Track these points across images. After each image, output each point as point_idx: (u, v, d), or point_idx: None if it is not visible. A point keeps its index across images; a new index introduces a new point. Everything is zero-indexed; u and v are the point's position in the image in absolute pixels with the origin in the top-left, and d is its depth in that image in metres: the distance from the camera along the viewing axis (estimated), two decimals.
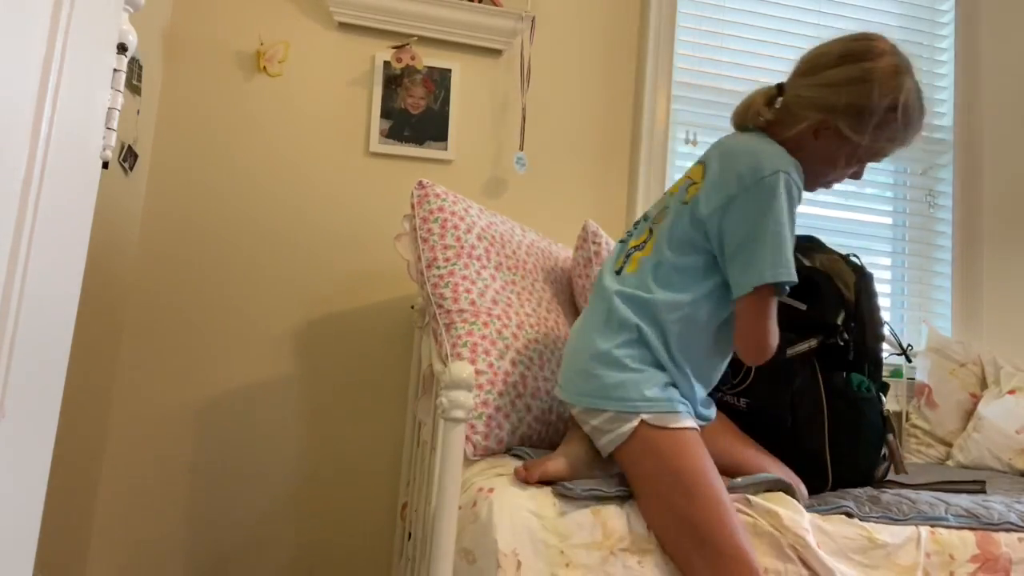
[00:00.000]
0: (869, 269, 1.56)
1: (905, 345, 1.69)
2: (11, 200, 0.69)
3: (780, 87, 1.25)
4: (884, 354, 1.56)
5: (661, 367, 1.17)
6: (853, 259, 1.56)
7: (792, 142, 1.20)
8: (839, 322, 1.44)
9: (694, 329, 1.18)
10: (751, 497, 1.18)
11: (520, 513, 1.08)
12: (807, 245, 1.57)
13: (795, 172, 1.14)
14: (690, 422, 1.15)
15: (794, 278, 1.11)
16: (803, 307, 1.44)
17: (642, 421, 1.11)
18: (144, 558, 1.84)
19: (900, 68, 1.18)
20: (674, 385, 1.18)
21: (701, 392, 1.25)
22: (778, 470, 1.29)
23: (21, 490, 0.75)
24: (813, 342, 1.43)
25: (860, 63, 1.17)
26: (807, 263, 1.49)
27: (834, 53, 1.20)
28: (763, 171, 1.12)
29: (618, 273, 1.26)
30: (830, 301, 1.46)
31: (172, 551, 1.86)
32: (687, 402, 1.18)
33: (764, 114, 1.22)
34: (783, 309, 1.35)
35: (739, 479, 1.21)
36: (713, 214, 1.15)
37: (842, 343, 1.43)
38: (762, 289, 1.11)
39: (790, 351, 1.40)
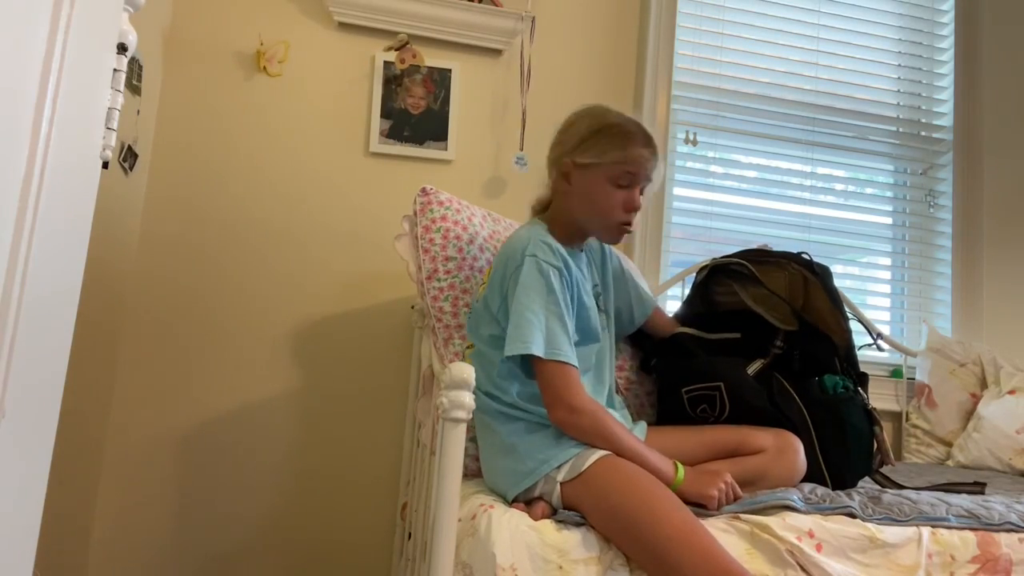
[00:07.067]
0: (845, 267, 1.57)
1: (875, 334, 1.69)
2: (11, 200, 0.69)
3: None
4: (859, 347, 1.57)
5: (543, 424, 1.24)
6: (804, 256, 1.57)
7: (559, 199, 1.40)
8: (778, 342, 1.48)
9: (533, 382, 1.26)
10: (741, 513, 1.18)
11: (519, 528, 1.08)
12: (741, 275, 1.56)
13: (541, 248, 1.27)
14: (603, 450, 1.18)
15: (538, 352, 1.19)
16: (737, 335, 1.49)
17: (560, 483, 1.17)
18: (144, 558, 1.84)
19: (602, 108, 1.41)
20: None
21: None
22: (764, 435, 1.36)
23: (21, 490, 0.75)
24: (760, 361, 1.47)
25: (568, 118, 1.42)
26: (740, 297, 1.53)
27: (559, 126, 1.43)
28: (516, 262, 1.28)
29: None
30: (760, 332, 1.49)
31: (172, 550, 1.86)
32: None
33: (542, 199, 1.44)
34: (717, 343, 1.49)
35: (727, 505, 1.21)
36: (500, 309, 1.30)
37: (780, 351, 1.46)
38: (534, 361, 1.21)
39: (750, 369, 1.45)
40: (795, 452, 1.35)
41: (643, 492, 1.11)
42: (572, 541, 1.09)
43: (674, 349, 1.54)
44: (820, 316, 1.49)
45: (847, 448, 1.42)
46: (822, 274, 1.54)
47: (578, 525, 1.12)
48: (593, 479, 1.15)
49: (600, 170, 1.33)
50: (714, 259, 1.64)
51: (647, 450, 1.22)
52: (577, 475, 1.16)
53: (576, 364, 1.22)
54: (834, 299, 1.52)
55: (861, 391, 1.49)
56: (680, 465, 1.23)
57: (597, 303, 1.44)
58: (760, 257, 1.58)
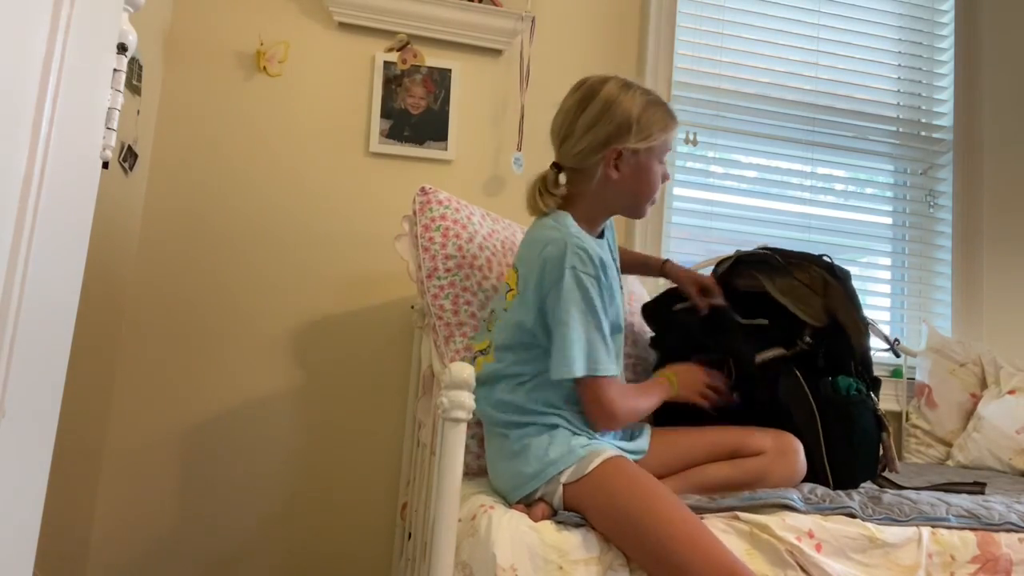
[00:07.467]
0: (846, 267, 1.55)
1: (892, 339, 1.69)
2: (11, 200, 0.69)
3: (555, 165, 1.36)
4: (873, 350, 1.55)
5: (552, 425, 1.23)
6: (825, 259, 1.54)
7: (600, 187, 1.31)
8: (807, 337, 1.46)
9: (546, 384, 1.25)
10: (740, 513, 1.18)
11: (519, 528, 1.08)
12: (768, 265, 1.54)
13: (579, 257, 1.21)
14: (608, 452, 1.19)
15: (580, 373, 1.18)
16: (765, 322, 1.48)
17: (563, 484, 1.16)
18: (144, 558, 1.84)
19: (622, 82, 1.32)
20: (576, 432, 1.24)
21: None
22: (763, 436, 1.35)
23: (21, 490, 0.75)
24: (781, 350, 1.45)
25: (595, 98, 1.30)
26: (767, 288, 1.51)
27: (572, 108, 1.32)
28: (554, 274, 1.22)
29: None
30: (789, 320, 1.48)
31: (172, 551, 1.86)
32: (596, 440, 1.24)
33: (558, 192, 1.33)
34: (746, 326, 1.46)
35: (729, 499, 1.22)
36: (536, 321, 1.25)
37: (807, 347, 1.45)
38: (581, 380, 1.20)
39: (759, 357, 1.44)
40: (795, 454, 1.34)
41: (646, 493, 1.11)
42: (572, 542, 1.09)
43: (704, 322, 1.53)
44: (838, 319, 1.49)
45: (853, 450, 1.41)
46: (843, 277, 1.52)
47: (578, 526, 1.12)
48: (597, 481, 1.14)
49: (652, 152, 1.32)
50: (738, 251, 1.62)
51: (648, 391, 1.34)
52: (581, 477, 1.15)
53: (615, 373, 1.24)
54: (854, 303, 1.51)
55: (873, 395, 1.49)
56: (672, 379, 1.37)
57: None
58: (782, 257, 1.56)
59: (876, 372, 1.56)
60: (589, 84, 1.33)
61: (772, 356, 1.44)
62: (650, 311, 1.66)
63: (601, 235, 1.40)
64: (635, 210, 1.39)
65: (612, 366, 1.22)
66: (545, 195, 1.34)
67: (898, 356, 1.76)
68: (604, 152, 1.29)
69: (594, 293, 1.21)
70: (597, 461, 1.16)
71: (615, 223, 1.49)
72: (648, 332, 1.70)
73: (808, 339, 1.45)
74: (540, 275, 1.24)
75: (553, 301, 1.21)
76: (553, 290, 1.21)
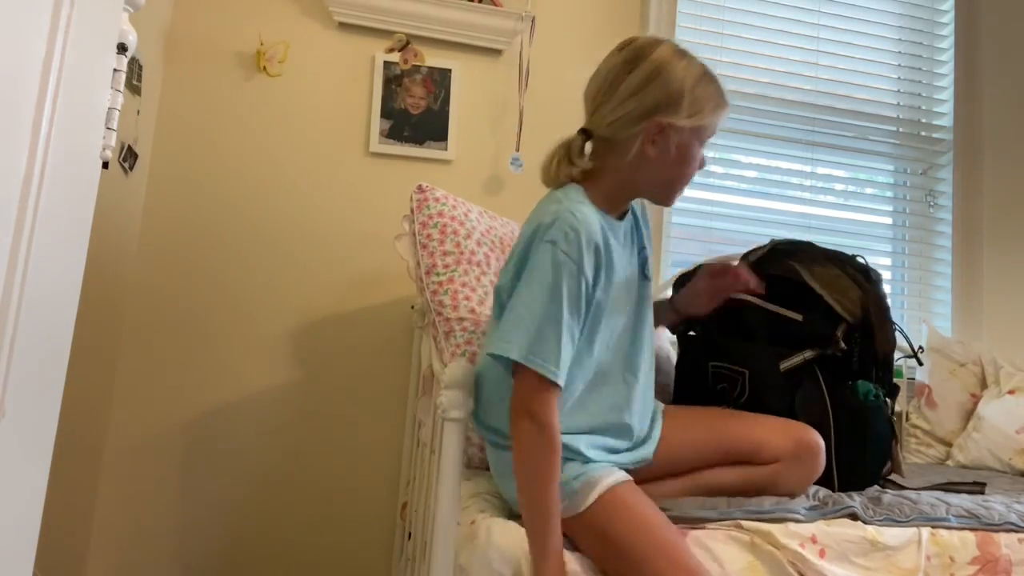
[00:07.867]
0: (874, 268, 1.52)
1: (916, 347, 1.67)
2: (11, 200, 0.69)
3: (583, 131, 1.20)
4: (896, 356, 1.53)
5: None
6: (859, 260, 1.51)
7: (633, 164, 1.15)
8: (838, 334, 1.41)
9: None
10: (743, 522, 1.17)
11: (518, 536, 1.07)
12: (806, 254, 1.50)
13: (565, 236, 1.06)
14: (604, 481, 1.09)
15: (516, 356, 1.03)
16: (799, 317, 1.41)
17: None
18: (143, 558, 1.84)
19: (676, 48, 1.16)
20: (568, 458, 1.10)
21: (614, 440, 1.20)
22: (764, 426, 1.27)
23: (21, 490, 0.75)
24: (808, 353, 1.40)
25: (645, 60, 1.13)
26: (804, 277, 1.45)
27: (615, 68, 1.16)
28: (534, 242, 1.09)
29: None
30: (824, 315, 1.42)
31: (172, 550, 1.86)
32: (591, 464, 1.12)
33: (580, 164, 1.17)
34: (777, 319, 1.38)
35: (732, 510, 1.19)
36: (509, 291, 1.11)
37: (841, 354, 1.40)
38: (517, 367, 1.05)
39: (783, 364, 1.39)
40: (813, 457, 1.25)
41: (643, 528, 1.05)
42: (570, 554, 1.08)
43: (729, 315, 1.44)
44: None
45: (864, 450, 1.40)
46: (876, 280, 1.49)
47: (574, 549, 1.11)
48: (591, 518, 1.07)
49: (698, 133, 1.15)
50: (773, 240, 1.55)
51: (554, 527, 1.04)
52: (576, 513, 1.08)
53: (562, 383, 1.05)
54: (883, 307, 1.47)
55: (888, 401, 1.47)
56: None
57: (644, 271, 1.26)
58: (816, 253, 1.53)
59: None
60: (638, 44, 1.16)
61: (798, 362, 1.39)
62: (682, 284, 1.59)
63: (623, 216, 1.23)
64: (665, 197, 1.24)
65: (562, 375, 1.05)
66: (563, 165, 1.17)
67: (921, 364, 1.73)
68: (645, 124, 1.12)
69: (565, 280, 1.06)
70: (592, 496, 1.07)
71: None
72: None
73: (843, 344, 1.39)
74: (527, 242, 1.11)
75: (523, 268, 1.09)
76: (531, 258, 1.09)
